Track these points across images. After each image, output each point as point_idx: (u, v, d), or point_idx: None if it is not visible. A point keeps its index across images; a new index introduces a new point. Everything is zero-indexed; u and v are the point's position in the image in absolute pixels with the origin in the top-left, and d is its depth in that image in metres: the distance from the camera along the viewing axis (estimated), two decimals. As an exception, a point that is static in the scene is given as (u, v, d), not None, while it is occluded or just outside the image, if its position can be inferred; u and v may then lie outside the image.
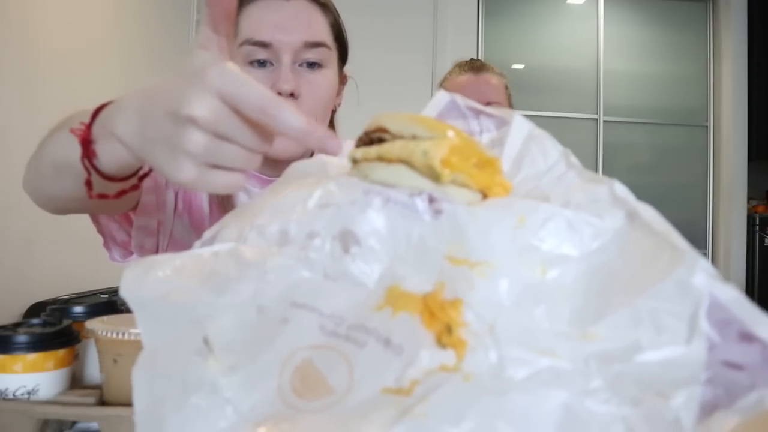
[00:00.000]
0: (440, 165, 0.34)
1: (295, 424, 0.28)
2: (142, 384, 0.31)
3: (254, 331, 0.32)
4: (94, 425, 0.51)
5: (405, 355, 0.29)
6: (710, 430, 0.27)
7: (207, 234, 0.41)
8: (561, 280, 0.32)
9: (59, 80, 1.89)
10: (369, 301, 0.32)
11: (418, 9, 3.35)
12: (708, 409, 0.27)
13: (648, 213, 0.33)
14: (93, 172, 0.49)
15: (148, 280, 0.34)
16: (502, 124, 0.44)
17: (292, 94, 0.73)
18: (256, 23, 0.74)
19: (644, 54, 3.59)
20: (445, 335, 0.30)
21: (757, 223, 3.46)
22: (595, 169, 3.35)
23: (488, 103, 0.99)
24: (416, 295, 0.32)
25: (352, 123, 1.01)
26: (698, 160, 3.60)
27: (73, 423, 0.52)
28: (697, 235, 3.53)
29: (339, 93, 0.85)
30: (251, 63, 0.74)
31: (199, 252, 0.37)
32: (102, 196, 0.52)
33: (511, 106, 1.34)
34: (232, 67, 0.38)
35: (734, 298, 0.29)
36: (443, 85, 1.35)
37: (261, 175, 0.82)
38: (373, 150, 0.37)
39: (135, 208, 0.75)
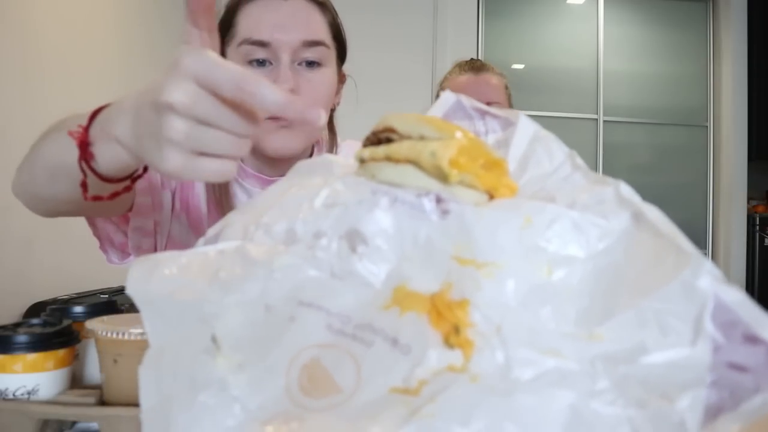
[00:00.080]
0: (448, 166, 0.34)
1: (303, 423, 0.28)
2: (148, 382, 0.32)
3: (262, 330, 0.32)
4: (94, 425, 0.51)
5: (413, 355, 0.29)
6: (715, 433, 0.27)
7: (211, 231, 0.41)
8: (567, 280, 0.32)
9: (59, 80, 1.88)
10: (376, 300, 0.32)
11: (418, 9, 3.34)
12: (713, 412, 0.27)
13: (653, 214, 0.33)
14: (90, 173, 0.49)
15: (154, 278, 0.34)
16: (508, 125, 0.44)
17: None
18: (254, 23, 0.74)
19: (644, 54, 3.59)
20: (453, 335, 0.30)
21: (757, 223, 3.47)
22: (595, 169, 3.34)
23: (488, 103, 0.98)
24: (423, 295, 0.32)
25: (351, 122, 1.01)
26: (698, 160, 3.60)
27: (73, 423, 0.52)
28: (697, 235, 3.52)
29: (338, 92, 0.85)
30: (250, 62, 0.74)
31: (205, 250, 0.37)
32: (96, 198, 0.52)
33: (511, 106, 1.34)
34: (208, 53, 0.37)
35: (739, 300, 0.29)
36: (443, 85, 1.35)
37: (261, 175, 0.82)
38: (381, 150, 0.37)
39: (130, 209, 0.75)
